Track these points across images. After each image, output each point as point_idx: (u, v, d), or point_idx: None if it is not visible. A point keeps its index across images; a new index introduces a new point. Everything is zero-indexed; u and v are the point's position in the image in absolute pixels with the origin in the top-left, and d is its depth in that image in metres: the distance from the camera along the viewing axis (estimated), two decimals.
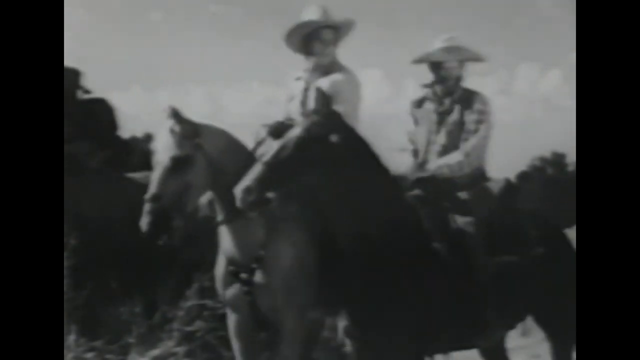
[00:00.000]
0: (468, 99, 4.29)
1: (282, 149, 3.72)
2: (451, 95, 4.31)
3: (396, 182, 4.01)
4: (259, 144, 4.24)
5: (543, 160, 34.74)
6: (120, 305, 5.72)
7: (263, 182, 3.65)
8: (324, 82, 4.26)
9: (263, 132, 4.26)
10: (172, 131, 3.86)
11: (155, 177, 3.84)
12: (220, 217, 4.05)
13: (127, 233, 4.10)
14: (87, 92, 8.90)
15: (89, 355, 5.12)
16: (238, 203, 3.63)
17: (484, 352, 4.47)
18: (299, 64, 4.43)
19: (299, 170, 3.69)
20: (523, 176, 31.63)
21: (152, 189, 3.81)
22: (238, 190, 3.64)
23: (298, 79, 4.46)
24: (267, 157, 3.72)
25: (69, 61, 3.26)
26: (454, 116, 4.27)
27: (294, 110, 4.37)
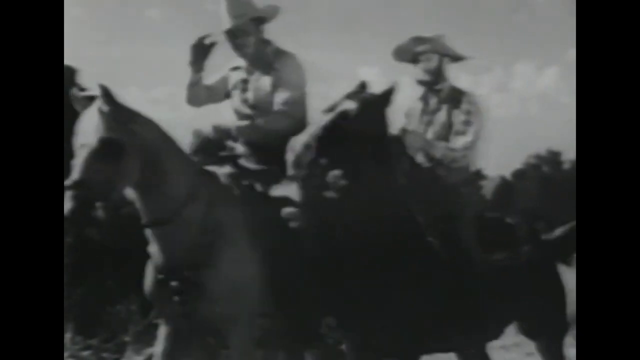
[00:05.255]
0: (456, 98, 4.18)
1: (339, 116, 3.62)
2: (437, 94, 4.21)
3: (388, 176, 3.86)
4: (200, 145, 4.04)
5: (539, 158, 34.72)
6: (117, 304, 5.72)
7: (322, 142, 3.50)
8: (266, 75, 4.09)
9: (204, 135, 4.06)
10: (100, 111, 3.47)
11: (79, 162, 3.40)
12: (146, 219, 3.68)
13: (123, 231, 4.10)
14: (82, 89, 8.89)
15: (85, 353, 5.12)
16: (293, 161, 3.47)
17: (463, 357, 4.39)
18: None
19: (349, 144, 3.58)
20: (518, 174, 31.62)
21: (75, 174, 3.36)
22: (296, 144, 3.49)
23: (235, 68, 4.24)
24: (324, 122, 3.61)
25: (64, 59, 3.25)
26: (442, 117, 4.18)
27: (234, 102, 4.21)
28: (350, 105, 3.67)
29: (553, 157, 35.37)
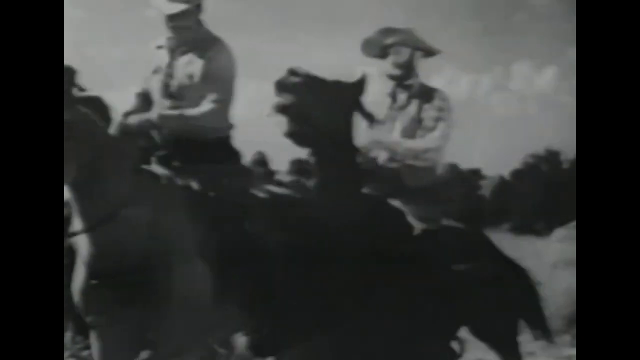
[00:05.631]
0: (427, 94, 4.03)
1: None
2: (407, 90, 4.05)
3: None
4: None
5: (537, 157, 34.70)
6: None
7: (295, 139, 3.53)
8: (196, 62, 3.80)
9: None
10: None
11: None
12: (81, 225, 3.44)
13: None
14: (82, 90, 8.86)
15: (86, 353, 5.10)
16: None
17: None
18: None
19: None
20: (517, 174, 31.62)
21: None
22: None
23: (160, 47, 3.94)
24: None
25: (65, 59, 3.24)
26: (411, 111, 4.01)
27: (156, 86, 3.92)
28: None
29: (552, 157, 35.36)
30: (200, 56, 3.82)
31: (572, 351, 6.30)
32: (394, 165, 3.97)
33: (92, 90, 4.37)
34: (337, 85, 3.79)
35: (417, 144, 3.98)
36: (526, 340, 4.49)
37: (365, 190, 3.91)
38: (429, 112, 3.98)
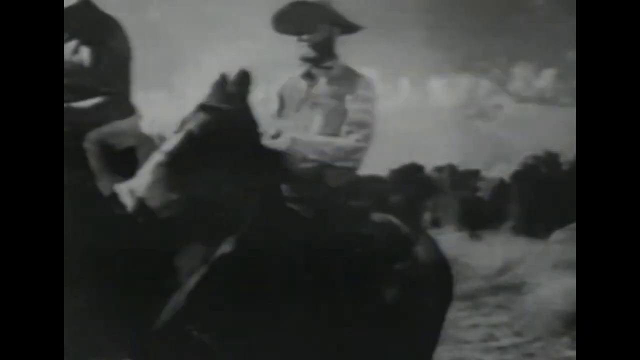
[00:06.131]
0: (349, 80, 3.46)
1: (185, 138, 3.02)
2: (326, 74, 3.48)
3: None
4: None
5: (537, 159, 34.69)
6: None
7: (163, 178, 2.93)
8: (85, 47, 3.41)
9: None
10: None
11: None
12: None
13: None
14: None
15: None
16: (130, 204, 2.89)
17: None
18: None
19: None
20: (516, 175, 31.59)
21: None
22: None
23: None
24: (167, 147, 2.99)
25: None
26: (331, 101, 3.45)
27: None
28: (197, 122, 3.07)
29: (551, 159, 35.35)
30: (93, 39, 3.45)
31: (572, 353, 6.30)
32: (311, 165, 3.39)
33: None
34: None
35: (348, 142, 3.43)
36: (526, 340, 4.49)
37: (287, 193, 3.42)
38: (354, 104, 3.42)
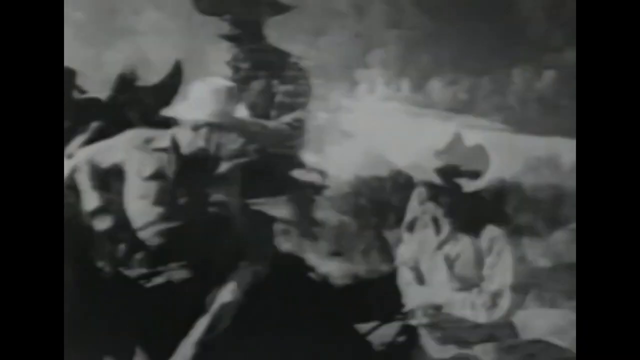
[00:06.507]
0: (276, 62, 3.22)
1: None
2: (251, 56, 3.20)
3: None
4: None
5: (538, 160, 34.73)
6: None
7: None
8: None
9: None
10: None
11: None
12: None
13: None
14: (82, 92, 8.86)
15: None
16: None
17: None
18: None
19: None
20: (517, 176, 31.64)
21: None
22: None
23: None
24: None
25: (65, 61, 3.22)
26: (258, 84, 3.19)
27: None
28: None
29: (552, 160, 35.37)
30: None
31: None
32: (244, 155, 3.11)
33: (92, 92, 4.37)
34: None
35: (281, 126, 3.15)
36: (524, 342, 4.49)
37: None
38: (282, 86, 3.15)
